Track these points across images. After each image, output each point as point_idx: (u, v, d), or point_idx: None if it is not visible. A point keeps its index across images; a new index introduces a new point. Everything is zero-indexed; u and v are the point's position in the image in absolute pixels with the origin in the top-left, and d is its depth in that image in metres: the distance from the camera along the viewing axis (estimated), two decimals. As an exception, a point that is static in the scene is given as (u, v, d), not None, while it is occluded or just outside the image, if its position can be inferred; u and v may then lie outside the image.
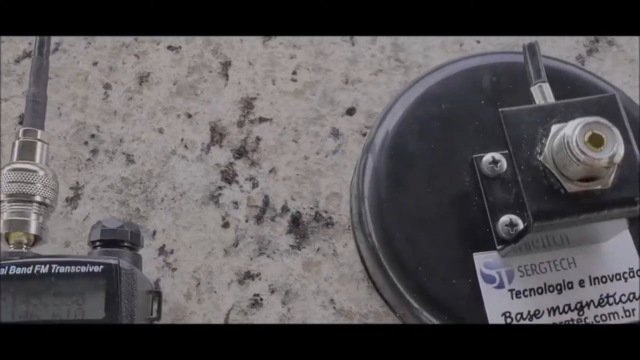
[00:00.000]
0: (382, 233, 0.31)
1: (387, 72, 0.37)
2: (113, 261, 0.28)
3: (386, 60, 0.37)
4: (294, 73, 0.37)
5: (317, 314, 0.32)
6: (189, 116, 0.35)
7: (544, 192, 0.26)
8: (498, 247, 0.30)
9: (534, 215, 0.26)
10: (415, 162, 0.32)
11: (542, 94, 0.29)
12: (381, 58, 0.37)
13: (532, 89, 0.29)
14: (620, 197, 0.26)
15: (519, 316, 0.29)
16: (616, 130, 0.25)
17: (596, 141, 0.25)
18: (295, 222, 0.34)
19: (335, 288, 0.33)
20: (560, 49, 0.38)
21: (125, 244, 0.30)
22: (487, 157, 0.31)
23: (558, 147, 0.25)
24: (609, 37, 0.38)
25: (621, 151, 0.25)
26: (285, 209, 0.34)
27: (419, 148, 0.32)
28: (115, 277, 0.28)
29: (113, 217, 0.33)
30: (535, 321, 0.29)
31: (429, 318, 0.30)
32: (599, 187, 0.26)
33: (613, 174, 0.26)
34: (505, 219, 0.30)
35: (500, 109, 0.27)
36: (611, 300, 0.30)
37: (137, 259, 0.30)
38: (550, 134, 0.26)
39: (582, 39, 0.38)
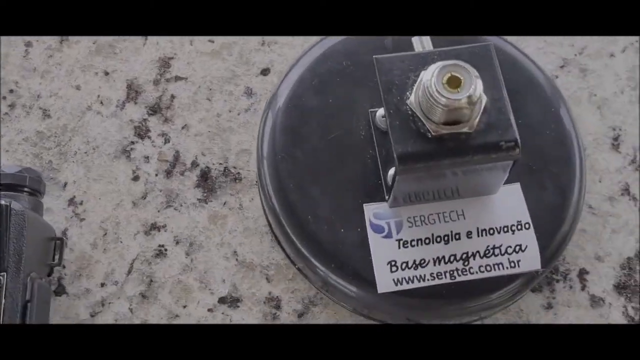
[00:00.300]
0: (277, 185, 0.32)
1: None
2: (4, 202, 0.29)
3: (305, 24, 0.38)
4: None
5: (219, 265, 0.33)
6: (107, 74, 0.37)
7: (410, 135, 0.26)
8: (386, 198, 0.31)
9: (399, 157, 0.26)
10: (313, 116, 0.32)
11: (422, 44, 0.29)
12: (300, 22, 0.38)
13: (413, 39, 0.29)
14: (485, 141, 0.26)
15: (404, 265, 0.30)
16: (473, 72, 0.25)
17: (454, 83, 0.25)
18: (204, 177, 0.35)
19: (238, 241, 0.34)
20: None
21: (25, 189, 0.31)
22: (381, 110, 0.31)
23: (422, 91, 0.26)
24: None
25: (478, 92, 0.25)
26: (195, 164, 0.35)
27: (317, 103, 0.33)
28: (5, 217, 0.29)
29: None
30: (419, 270, 0.30)
31: (319, 267, 0.31)
32: (464, 130, 0.26)
33: (478, 118, 0.26)
34: (393, 170, 0.31)
35: (374, 56, 0.28)
36: (497, 251, 0.30)
37: (37, 205, 0.31)
38: (419, 80, 0.27)
39: (501, 5, 0.39)
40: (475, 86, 0.25)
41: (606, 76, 0.38)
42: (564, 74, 0.37)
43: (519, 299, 0.33)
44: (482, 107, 0.26)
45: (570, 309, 0.33)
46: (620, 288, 0.33)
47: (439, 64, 0.26)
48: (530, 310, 0.33)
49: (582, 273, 0.34)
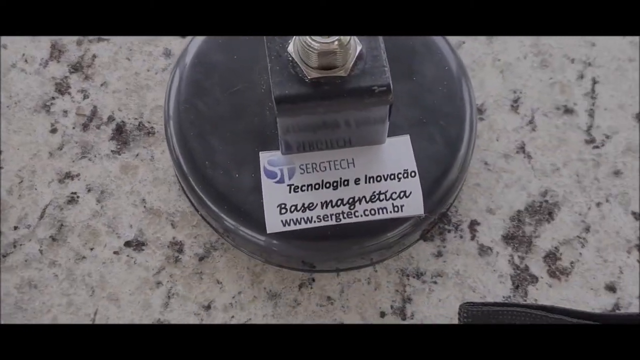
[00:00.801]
0: (180, 135, 0.33)
1: None
2: None
3: (225, -9, 0.40)
4: (137, 0, 0.40)
5: (127, 212, 0.35)
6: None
7: (289, 79, 0.28)
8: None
9: (277, 99, 0.28)
10: (217, 71, 0.34)
11: (311, -1, 0.31)
12: (220, -12, 0.40)
13: (303, -5, 0.31)
14: (359, 85, 0.28)
15: (293, 207, 0.32)
16: (344, 21, 0.27)
17: (324, 29, 0.27)
18: (119, 130, 0.37)
19: (147, 189, 0.36)
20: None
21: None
22: (279, 65, 0.33)
23: (299, 38, 0.28)
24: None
25: (344, 41, 0.27)
26: (111, 118, 0.37)
27: (222, 59, 0.34)
28: None
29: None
30: (307, 212, 0.32)
31: (215, 211, 0.32)
32: (339, 74, 0.28)
33: (352, 64, 0.28)
34: (284, 117, 0.32)
35: (262, 9, 0.29)
36: (382, 197, 0.32)
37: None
38: (298, 28, 0.28)
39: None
40: (342, 37, 0.27)
41: (510, 42, 0.40)
42: (470, 40, 0.39)
43: (409, 246, 0.35)
44: (357, 54, 0.28)
45: (459, 257, 0.35)
46: (508, 238, 0.35)
47: (312, 14, 0.28)
48: (421, 257, 0.35)
49: (473, 224, 0.36)
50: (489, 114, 0.38)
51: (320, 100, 0.28)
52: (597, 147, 0.37)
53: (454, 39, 0.38)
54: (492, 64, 0.39)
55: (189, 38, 0.38)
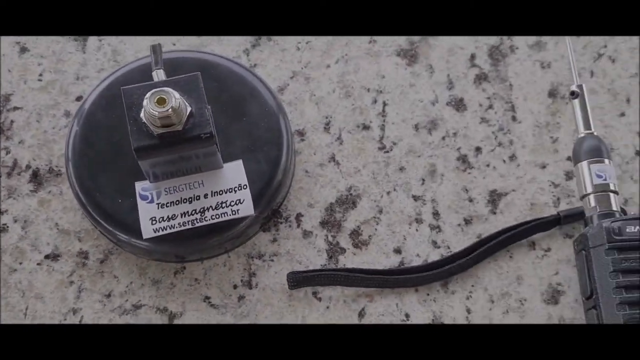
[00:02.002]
0: (77, 174, 0.47)
1: (107, 70, 0.53)
2: None
3: (107, 62, 0.53)
4: (40, 75, 0.53)
5: (45, 233, 0.48)
6: (-39, 109, 0.51)
7: (143, 135, 0.42)
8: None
9: (135, 149, 0.42)
10: (102, 126, 0.48)
11: (158, 76, 0.45)
12: (103, 60, 0.53)
13: (152, 73, 0.45)
14: (192, 135, 0.42)
15: (161, 219, 0.45)
16: (174, 93, 0.41)
17: (161, 101, 0.41)
18: (35, 175, 0.50)
19: (59, 216, 0.49)
20: (234, 45, 0.54)
21: None
22: (144, 119, 0.47)
23: (145, 107, 0.41)
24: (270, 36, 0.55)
25: (178, 105, 0.41)
26: (28, 166, 0.50)
27: (105, 116, 0.48)
28: None
29: None
30: (171, 221, 0.45)
31: (107, 227, 0.46)
32: (177, 129, 0.42)
33: (185, 120, 0.42)
34: (151, 158, 0.46)
35: (121, 87, 0.43)
36: (224, 205, 0.46)
37: None
38: (145, 101, 0.42)
39: (249, 37, 0.54)
40: (173, 103, 0.41)
41: (323, 81, 0.54)
42: (292, 82, 0.53)
43: (252, 236, 0.49)
44: (188, 113, 0.42)
45: (289, 240, 0.49)
46: (324, 224, 0.50)
47: (152, 90, 0.41)
48: (261, 243, 0.49)
49: (299, 216, 0.50)
50: (308, 135, 0.52)
51: (165, 148, 0.42)
52: (387, 151, 0.52)
53: (276, 83, 0.53)
54: (309, 99, 0.53)
55: (81, 101, 0.51)
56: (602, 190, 0.46)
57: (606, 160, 0.46)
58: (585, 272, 0.44)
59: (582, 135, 0.47)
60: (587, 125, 0.47)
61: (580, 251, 0.45)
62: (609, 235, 0.43)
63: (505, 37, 0.55)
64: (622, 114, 0.53)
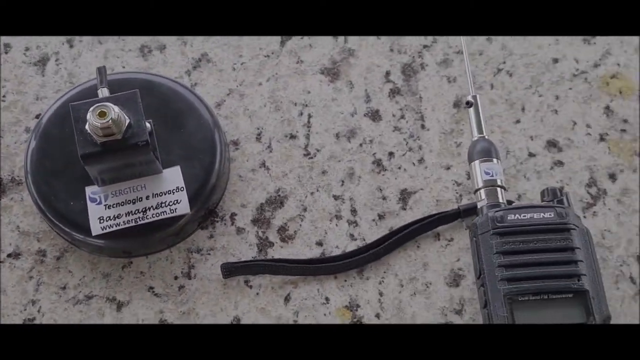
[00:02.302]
0: (34, 182, 0.54)
1: (63, 90, 0.60)
2: None
3: (64, 83, 0.60)
4: (4, 96, 0.59)
5: (7, 235, 0.55)
6: None
7: (88, 144, 0.49)
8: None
9: (81, 156, 0.48)
10: (56, 139, 0.54)
11: (102, 93, 0.51)
12: (60, 82, 0.60)
13: (98, 91, 0.52)
14: (130, 143, 0.49)
15: (108, 218, 0.52)
16: (114, 107, 0.48)
17: (101, 114, 0.48)
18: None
19: (20, 219, 0.55)
20: (177, 67, 0.61)
21: None
22: (93, 132, 0.54)
23: (89, 120, 0.48)
24: (210, 55, 0.62)
25: (114, 117, 0.48)
26: (-7, 177, 0.57)
27: (58, 131, 0.55)
28: None
29: None
30: (117, 220, 0.52)
31: (61, 227, 0.52)
32: (117, 138, 0.49)
33: (124, 130, 0.49)
34: (99, 165, 0.53)
35: (70, 103, 0.50)
36: (163, 205, 0.53)
37: None
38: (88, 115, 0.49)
39: (191, 60, 0.62)
40: (112, 115, 0.48)
41: (256, 97, 0.61)
42: (229, 99, 0.61)
43: (191, 234, 0.55)
44: (127, 124, 0.49)
45: (224, 237, 0.56)
46: (254, 221, 0.56)
47: (95, 105, 0.48)
48: (199, 240, 0.56)
49: (233, 215, 0.57)
50: (241, 145, 0.59)
51: (107, 155, 0.49)
52: (311, 157, 0.59)
53: (214, 99, 0.60)
54: (243, 113, 0.60)
55: (39, 118, 0.57)
56: (491, 185, 0.53)
57: (494, 160, 0.54)
58: (476, 255, 0.51)
59: (476, 138, 0.55)
60: (480, 130, 0.55)
61: (472, 238, 0.52)
62: (493, 222, 0.50)
63: (416, 55, 0.62)
64: (518, 121, 0.60)
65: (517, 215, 0.51)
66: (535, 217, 0.51)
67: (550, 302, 0.48)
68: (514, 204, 0.54)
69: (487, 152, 0.54)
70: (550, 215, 0.51)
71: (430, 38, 0.63)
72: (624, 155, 0.59)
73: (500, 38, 0.63)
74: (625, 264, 0.55)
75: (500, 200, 0.53)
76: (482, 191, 0.53)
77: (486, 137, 0.55)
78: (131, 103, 0.50)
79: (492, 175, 0.53)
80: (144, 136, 0.49)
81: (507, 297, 0.48)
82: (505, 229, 0.50)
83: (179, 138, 0.55)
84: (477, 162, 0.54)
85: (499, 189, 0.53)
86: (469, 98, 0.55)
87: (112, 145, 0.49)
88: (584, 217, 0.57)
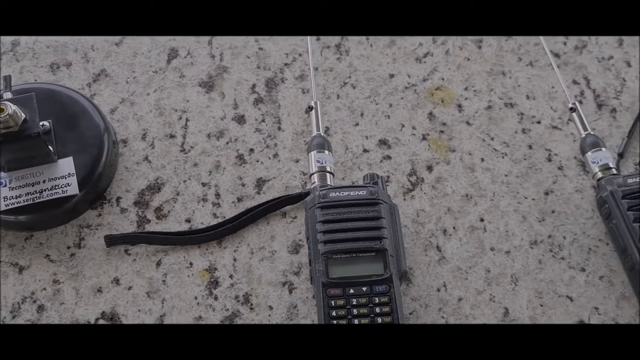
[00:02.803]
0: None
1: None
2: None
3: (-16, 93, 0.73)
4: None
5: None
6: None
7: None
8: (5, 169, 0.66)
9: (-14, 145, 0.61)
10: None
11: (5, 96, 0.65)
12: (-19, 92, 0.73)
13: (2, 94, 0.65)
14: (25, 134, 0.62)
15: (11, 197, 0.65)
16: (11, 105, 0.61)
17: (1, 110, 0.61)
18: None
19: (-59, 201, 0.68)
20: (80, 80, 0.75)
21: None
22: (2, 130, 0.67)
23: None
24: (108, 71, 0.76)
25: (11, 113, 0.61)
26: None
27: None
28: None
29: None
30: (17, 199, 0.65)
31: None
32: (14, 130, 0.62)
33: (20, 124, 0.62)
34: (5, 155, 0.66)
35: None
36: (57, 187, 0.66)
37: None
38: None
39: (91, 74, 0.75)
40: (11, 110, 0.61)
41: (143, 105, 0.74)
42: (121, 106, 0.74)
43: (83, 212, 0.68)
44: (23, 118, 0.62)
45: (110, 215, 0.69)
46: (136, 203, 0.69)
47: (-3, 104, 0.61)
48: (90, 217, 0.68)
49: (118, 198, 0.70)
50: (129, 143, 0.72)
51: (7, 144, 0.62)
52: (186, 153, 0.72)
53: (109, 106, 0.73)
54: (132, 117, 0.74)
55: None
56: (321, 171, 0.67)
57: (326, 152, 0.67)
58: (307, 224, 0.64)
59: (314, 134, 0.68)
60: (318, 128, 0.69)
61: (305, 212, 0.65)
62: (319, 199, 0.64)
63: (278, 71, 0.77)
64: (357, 124, 0.74)
65: (337, 193, 0.65)
66: (351, 194, 0.65)
67: (357, 259, 0.62)
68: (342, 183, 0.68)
69: (320, 146, 0.68)
70: (363, 193, 0.65)
71: (290, 57, 0.77)
72: (440, 151, 0.73)
73: (348, 57, 0.78)
74: (433, 236, 0.69)
75: (328, 183, 0.66)
76: (315, 175, 0.67)
77: (322, 134, 0.69)
78: (28, 103, 0.63)
79: (323, 163, 0.67)
80: (36, 129, 0.62)
81: (323, 256, 0.62)
82: (326, 203, 0.64)
83: (74, 136, 0.68)
84: (312, 152, 0.67)
85: (328, 174, 0.67)
86: (312, 103, 0.70)
87: (10, 136, 0.62)
88: (404, 199, 0.70)
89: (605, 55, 0.79)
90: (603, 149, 0.68)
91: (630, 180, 0.65)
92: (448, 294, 0.65)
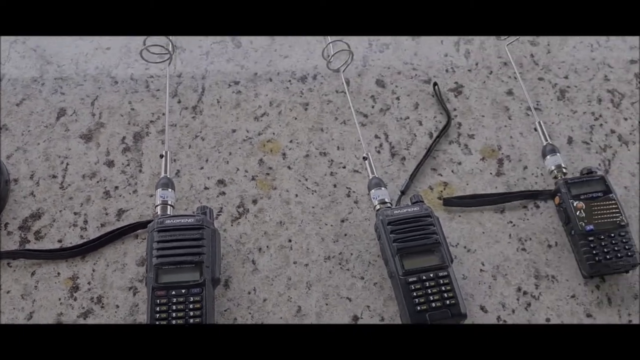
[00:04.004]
0: None
1: None
2: None
3: None
4: None
5: None
6: None
7: None
8: None
9: None
10: None
11: None
12: None
13: None
14: None
15: None
16: None
17: None
18: None
19: None
20: (-16, 133, 0.95)
21: None
22: None
23: None
24: (9, 125, 0.96)
25: None
26: None
27: None
28: None
29: None
30: None
31: None
32: None
33: None
34: None
35: None
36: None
37: None
38: None
39: (-6, 128, 0.96)
40: None
41: (34, 152, 0.95)
42: (15, 153, 0.94)
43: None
44: None
45: (1, 240, 0.88)
46: (20, 227, 0.89)
47: None
48: (-20, 238, 0.88)
49: (6, 224, 0.89)
50: (20, 181, 0.92)
51: None
52: (64, 189, 0.92)
53: (5, 153, 0.93)
54: (24, 162, 0.94)
55: None
56: (163, 204, 0.87)
57: (169, 189, 0.88)
58: (147, 244, 0.84)
59: (162, 176, 0.89)
60: (165, 171, 0.90)
61: (148, 234, 0.85)
62: (157, 224, 0.84)
63: (145, 127, 0.98)
64: (202, 168, 0.95)
65: (172, 220, 0.85)
66: (182, 221, 0.85)
67: (180, 269, 0.82)
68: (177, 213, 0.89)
69: (165, 185, 0.88)
70: (191, 220, 0.85)
71: (156, 115, 0.99)
72: (264, 188, 0.94)
73: (201, 116, 0.99)
74: (251, 252, 0.89)
75: (168, 213, 0.87)
76: (159, 207, 0.87)
77: (167, 176, 0.89)
78: None
79: (165, 198, 0.88)
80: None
81: (155, 266, 0.82)
82: (162, 227, 0.84)
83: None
84: (159, 189, 0.88)
85: (168, 206, 0.87)
86: (162, 152, 0.91)
87: None
88: (232, 225, 0.91)
89: (403, 116, 1.02)
90: (382, 188, 0.90)
91: (395, 212, 0.87)
92: (256, 295, 0.85)
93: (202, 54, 1.07)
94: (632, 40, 1.11)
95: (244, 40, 1.09)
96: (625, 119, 1.01)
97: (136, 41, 1.06)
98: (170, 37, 1.02)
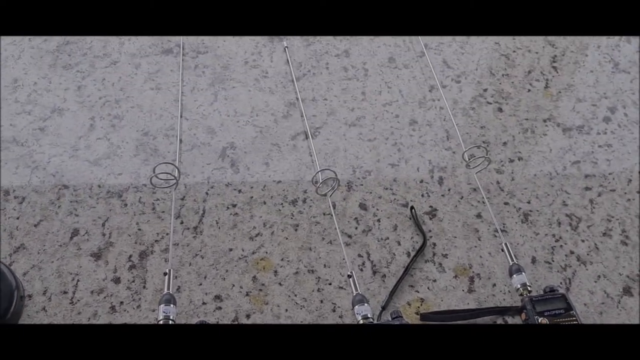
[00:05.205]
0: None
1: None
2: None
3: None
4: None
5: None
6: None
7: None
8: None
9: None
10: None
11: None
12: None
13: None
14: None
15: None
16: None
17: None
18: None
19: None
20: (4, 252, 1.05)
21: None
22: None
23: None
24: (26, 245, 1.06)
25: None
26: None
27: None
28: None
29: None
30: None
31: None
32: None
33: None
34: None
35: None
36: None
37: None
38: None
39: (12, 248, 1.06)
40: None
41: (47, 270, 1.04)
42: (31, 271, 1.04)
43: None
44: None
45: (12, 349, 0.96)
46: (32, 340, 0.97)
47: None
48: (-4, 350, 0.96)
49: (19, 337, 0.97)
50: (33, 297, 1.01)
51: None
52: (73, 304, 1.01)
53: (20, 271, 1.03)
54: (38, 279, 1.03)
55: None
56: (165, 319, 0.96)
57: (171, 305, 0.97)
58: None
59: (165, 292, 0.98)
60: (168, 288, 0.99)
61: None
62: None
63: (150, 246, 1.08)
64: (200, 284, 1.05)
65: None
66: (182, 334, 0.94)
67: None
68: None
69: (168, 301, 0.97)
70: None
71: (160, 235, 1.09)
72: (257, 303, 1.03)
73: (201, 236, 1.10)
74: None
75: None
76: (161, 322, 0.96)
77: (170, 292, 0.99)
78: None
79: (168, 314, 0.96)
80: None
81: None
82: (162, 340, 0.93)
83: (-8, 291, 0.97)
84: (162, 305, 0.97)
85: (170, 321, 0.96)
86: (166, 270, 1.00)
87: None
88: (227, 338, 0.99)
89: (383, 236, 1.13)
90: (365, 304, 0.99)
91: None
92: (248, 406, 0.93)
93: (203, 180, 1.19)
94: (585, 167, 1.24)
95: (242, 167, 1.21)
96: (583, 241, 1.12)
97: (146, 168, 1.18)
98: (176, 164, 1.14)
